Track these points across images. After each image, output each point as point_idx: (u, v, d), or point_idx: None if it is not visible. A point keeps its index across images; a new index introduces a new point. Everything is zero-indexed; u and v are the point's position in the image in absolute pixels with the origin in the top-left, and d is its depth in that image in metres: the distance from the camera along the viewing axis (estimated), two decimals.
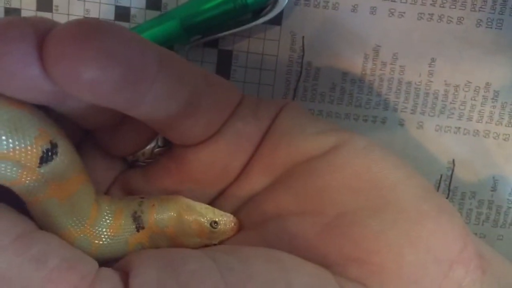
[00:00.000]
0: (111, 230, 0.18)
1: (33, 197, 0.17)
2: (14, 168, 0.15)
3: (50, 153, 0.16)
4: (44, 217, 0.17)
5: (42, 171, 0.16)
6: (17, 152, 0.15)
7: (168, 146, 0.21)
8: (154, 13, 0.25)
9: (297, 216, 0.19)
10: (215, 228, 0.19)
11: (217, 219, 0.19)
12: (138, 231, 0.19)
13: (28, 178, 0.16)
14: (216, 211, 0.20)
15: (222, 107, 0.20)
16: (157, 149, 0.21)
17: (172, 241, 0.19)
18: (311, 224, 0.18)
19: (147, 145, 0.21)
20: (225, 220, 0.19)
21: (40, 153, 0.15)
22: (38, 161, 0.16)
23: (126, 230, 0.18)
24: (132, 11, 0.25)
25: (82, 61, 0.14)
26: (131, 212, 0.19)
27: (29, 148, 0.15)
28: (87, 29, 0.14)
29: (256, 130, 0.20)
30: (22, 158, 0.15)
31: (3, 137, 0.15)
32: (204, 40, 0.25)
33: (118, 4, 0.25)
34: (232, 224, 0.20)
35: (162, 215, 0.19)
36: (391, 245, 0.18)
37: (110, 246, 0.18)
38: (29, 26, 0.14)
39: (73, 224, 0.17)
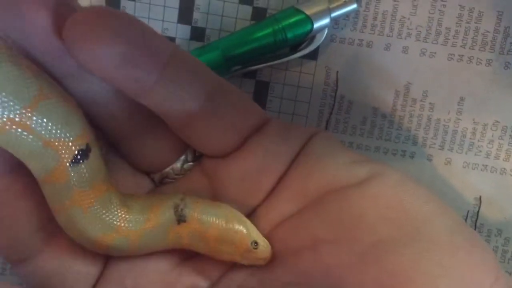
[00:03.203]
0: (149, 223, 0.19)
1: (58, 204, 0.18)
2: (51, 161, 0.17)
3: (82, 155, 0.17)
4: (72, 226, 0.18)
5: (70, 171, 0.17)
6: (60, 143, 0.16)
7: (198, 161, 0.21)
8: (197, 44, 0.27)
9: (332, 245, 0.19)
10: (254, 248, 0.19)
11: (258, 241, 0.20)
12: (178, 223, 0.19)
13: (58, 177, 0.17)
14: (260, 235, 0.20)
15: (241, 115, 0.20)
16: (186, 164, 0.21)
17: (208, 245, 0.19)
18: (346, 253, 0.19)
19: (175, 160, 0.21)
20: (265, 247, 0.20)
21: (76, 152, 0.17)
22: (71, 159, 0.17)
23: (165, 221, 0.19)
24: (177, 41, 0.27)
25: (92, 35, 0.16)
26: (173, 204, 0.19)
27: (69, 143, 0.17)
28: (102, 12, 0.17)
29: (285, 151, 0.20)
30: (61, 151, 0.17)
31: (55, 127, 0.16)
32: (243, 71, 0.27)
33: (165, 35, 0.27)
34: (268, 254, 0.20)
35: (208, 216, 0.19)
36: (426, 275, 0.18)
37: (149, 238, 0.19)
38: None
39: (102, 231, 0.18)
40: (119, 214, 0.18)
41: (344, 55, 0.27)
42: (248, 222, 0.20)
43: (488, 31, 0.26)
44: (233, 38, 0.26)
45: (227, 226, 0.19)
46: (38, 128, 0.16)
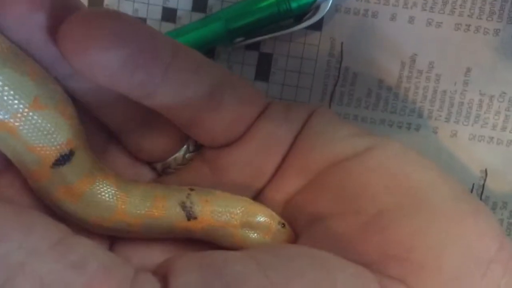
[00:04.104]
0: (152, 214, 0.19)
1: (47, 198, 0.18)
2: (34, 164, 0.17)
3: (63, 159, 0.17)
4: (66, 216, 0.18)
5: (53, 172, 0.17)
6: (42, 149, 0.17)
7: (199, 151, 0.21)
8: (199, 15, 0.26)
9: (338, 217, 0.19)
10: (283, 227, 0.19)
11: (284, 222, 0.20)
12: (188, 220, 0.19)
13: (41, 176, 0.17)
14: (281, 218, 0.20)
15: (246, 105, 0.20)
16: (188, 154, 0.21)
17: (233, 237, 0.19)
18: (351, 223, 0.19)
19: (177, 150, 0.21)
20: (289, 228, 0.20)
21: (58, 157, 0.17)
22: (52, 163, 0.17)
23: (172, 216, 0.19)
24: (179, 13, 0.26)
25: (89, 41, 0.15)
26: (178, 201, 0.19)
27: (52, 149, 0.17)
28: (99, 15, 0.16)
29: (287, 132, 0.20)
30: (42, 156, 0.17)
31: (40, 134, 0.17)
32: (246, 43, 0.26)
33: (166, 6, 0.26)
34: (292, 234, 0.20)
35: (223, 209, 0.19)
36: (431, 243, 0.18)
37: (152, 227, 0.19)
38: None
39: (98, 215, 0.18)
40: (117, 199, 0.18)
41: (349, 25, 0.26)
42: (265, 206, 0.20)
43: (496, 0, 0.26)
44: (236, 9, 0.25)
45: (249, 214, 0.19)
46: (23, 135, 0.16)
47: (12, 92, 0.16)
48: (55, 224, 0.16)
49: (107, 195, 0.18)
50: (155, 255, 0.20)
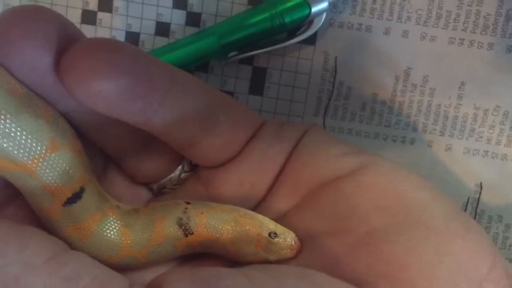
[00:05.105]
0: (154, 240, 0.19)
1: (57, 234, 0.18)
2: (47, 201, 0.17)
3: (75, 197, 0.18)
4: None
5: (64, 210, 0.18)
6: (57, 189, 0.17)
7: (194, 171, 0.22)
8: (193, 30, 0.26)
9: (328, 236, 0.19)
10: (273, 238, 0.19)
11: (277, 232, 0.19)
12: (186, 236, 0.19)
13: (53, 213, 0.18)
14: (279, 225, 0.19)
15: (241, 127, 0.20)
16: (183, 174, 0.22)
17: (227, 249, 0.19)
18: (341, 243, 0.19)
19: (173, 171, 0.21)
20: (286, 235, 0.19)
21: (70, 195, 0.18)
22: (65, 201, 0.18)
23: (171, 236, 0.19)
24: (172, 27, 0.26)
25: (90, 72, 0.16)
26: (176, 219, 0.19)
27: (66, 188, 0.17)
28: (99, 46, 0.16)
29: (280, 151, 0.21)
30: (56, 194, 0.17)
31: (56, 173, 0.17)
32: (239, 57, 0.26)
33: (159, 20, 0.26)
34: (293, 242, 0.19)
35: (215, 222, 0.19)
36: (422, 262, 0.18)
37: (157, 254, 0.19)
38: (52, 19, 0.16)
39: (107, 255, 0.18)
40: (121, 236, 0.19)
41: (343, 39, 0.26)
42: (258, 215, 0.20)
43: (489, 14, 0.26)
44: (230, 23, 0.25)
45: (237, 227, 0.19)
46: (41, 175, 0.17)
47: (30, 137, 0.16)
48: (50, 239, 0.16)
49: (112, 232, 0.19)
50: (149, 269, 0.20)
